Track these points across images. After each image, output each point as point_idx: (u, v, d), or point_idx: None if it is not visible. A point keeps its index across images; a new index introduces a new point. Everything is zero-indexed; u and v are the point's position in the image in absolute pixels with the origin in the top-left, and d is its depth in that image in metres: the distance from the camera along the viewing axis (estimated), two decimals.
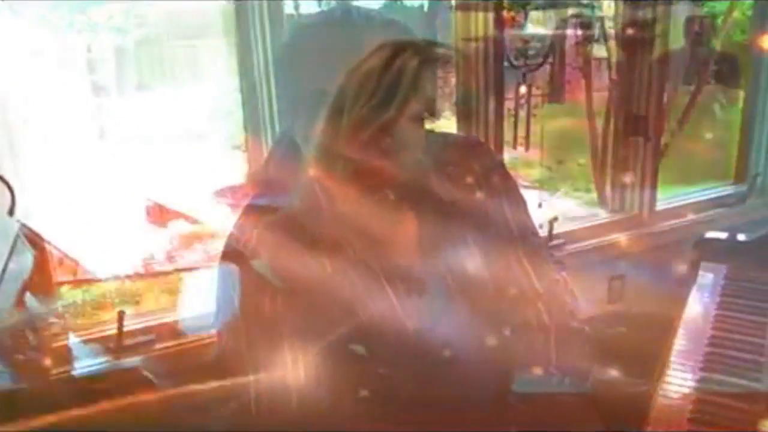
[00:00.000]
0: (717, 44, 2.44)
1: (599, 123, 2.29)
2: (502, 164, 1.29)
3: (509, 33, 1.93)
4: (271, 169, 1.27)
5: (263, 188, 1.23)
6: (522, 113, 2.04)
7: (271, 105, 1.65)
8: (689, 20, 2.38)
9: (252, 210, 1.17)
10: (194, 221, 1.79)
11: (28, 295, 1.25)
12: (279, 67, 1.50)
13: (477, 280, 1.14)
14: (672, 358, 1.25)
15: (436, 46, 1.11)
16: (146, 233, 1.82)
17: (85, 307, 1.80)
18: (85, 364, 1.54)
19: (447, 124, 1.83)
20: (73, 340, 1.54)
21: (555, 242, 2.05)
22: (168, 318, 1.67)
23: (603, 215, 2.33)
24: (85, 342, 1.55)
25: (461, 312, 1.12)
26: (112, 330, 1.57)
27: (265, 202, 1.16)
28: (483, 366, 1.12)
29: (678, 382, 1.19)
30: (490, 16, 1.86)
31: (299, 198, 1.11)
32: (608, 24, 2.19)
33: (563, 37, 2.11)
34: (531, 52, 2.02)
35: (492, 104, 1.93)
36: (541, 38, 2.04)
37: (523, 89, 2.02)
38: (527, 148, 2.08)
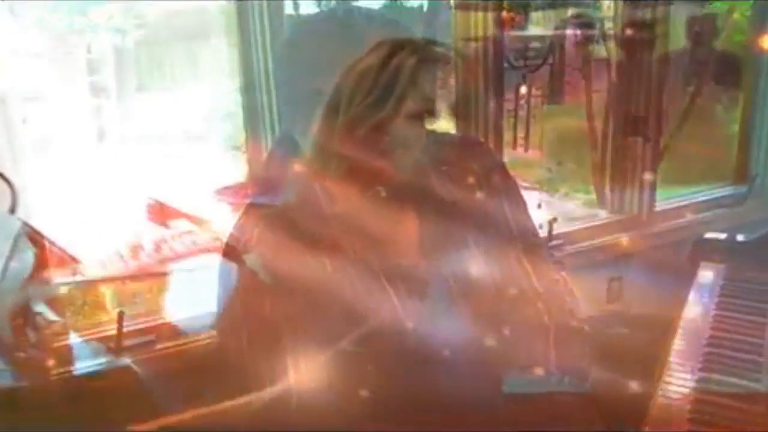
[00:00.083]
0: (717, 45, 2.44)
1: (599, 124, 2.29)
2: (502, 164, 1.29)
3: (509, 33, 1.93)
4: (271, 169, 1.28)
5: (263, 188, 1.23)
6: (522, 114, 2.04)
7: (271, 105, 1.65)
8: (689, 21, 2.38)
9: (252, 209, 1.17)
10: (195, 220, 1.79)
11: (29, 293, 1.25)
12: (279, 66, 1.50)
13: (477, 281, 1.14)
14: (671, 359, 1.25)
15: (434, 45, 1.11)
16: (146, 232, 1.82)
17: (84, 307, 1.80)
18: (84, 364, 1.54)
19: (447, 124, 1.83)
20: (73, 339, 1.54)
21: (554, 243, 2.05)
22: (168, 318, 1.67)
23: (602, 216, 2.33)
24: (86, 341, 1.55)
25: (461, 312, 1.12)
26: (111, 330, 1.57)
27: (265, 202, 1.16)
28: (483, 365, 1.13)
29: (677, 382, 1.19)
30: (490, 16, 1.85)
31: (294, 193, 1.11)
32: (608, 25, 2.19)
33: (563, 38, 2.10)
34: (531, 53, 2.01)
35: (492, 105, 1.93)
36: (541, 39, 2.04)
37: (523, 90, 2.02)
38: (527, 148, 2.07)
